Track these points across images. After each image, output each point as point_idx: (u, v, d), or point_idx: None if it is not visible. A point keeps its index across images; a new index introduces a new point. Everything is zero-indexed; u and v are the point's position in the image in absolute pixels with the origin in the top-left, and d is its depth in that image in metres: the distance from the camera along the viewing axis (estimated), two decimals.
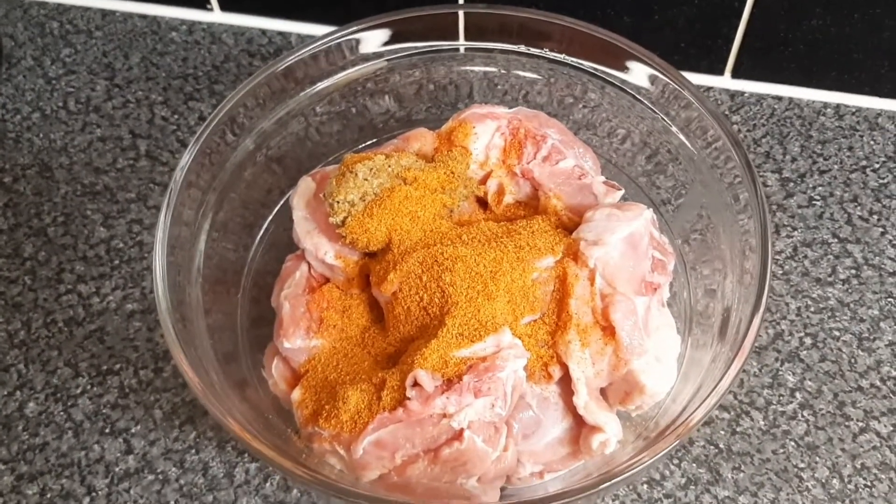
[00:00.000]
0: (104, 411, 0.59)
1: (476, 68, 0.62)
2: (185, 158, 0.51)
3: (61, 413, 0.59)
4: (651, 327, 0.49)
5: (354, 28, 0.56)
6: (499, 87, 0.63)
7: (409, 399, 0.44)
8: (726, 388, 0.43)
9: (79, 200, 0.69)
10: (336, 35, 0.56)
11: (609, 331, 0.48)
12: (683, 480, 0.55)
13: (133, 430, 0.58)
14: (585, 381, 0.48)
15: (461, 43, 0.61)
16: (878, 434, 0.57)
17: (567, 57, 0.59)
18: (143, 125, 0.73)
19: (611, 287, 0.49)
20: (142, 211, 0.68)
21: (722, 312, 0.49)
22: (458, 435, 0.44)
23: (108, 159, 0.71)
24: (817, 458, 0.56)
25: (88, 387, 0.60)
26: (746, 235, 0.49)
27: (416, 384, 0.45)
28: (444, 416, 0.44)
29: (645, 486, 0.55)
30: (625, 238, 0.49)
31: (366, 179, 0.51)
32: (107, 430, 0.58)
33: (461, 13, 0.59)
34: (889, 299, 0.62)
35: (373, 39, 0.57)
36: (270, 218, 0.58)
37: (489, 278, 0.48)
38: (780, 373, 0.59)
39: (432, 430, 0.45)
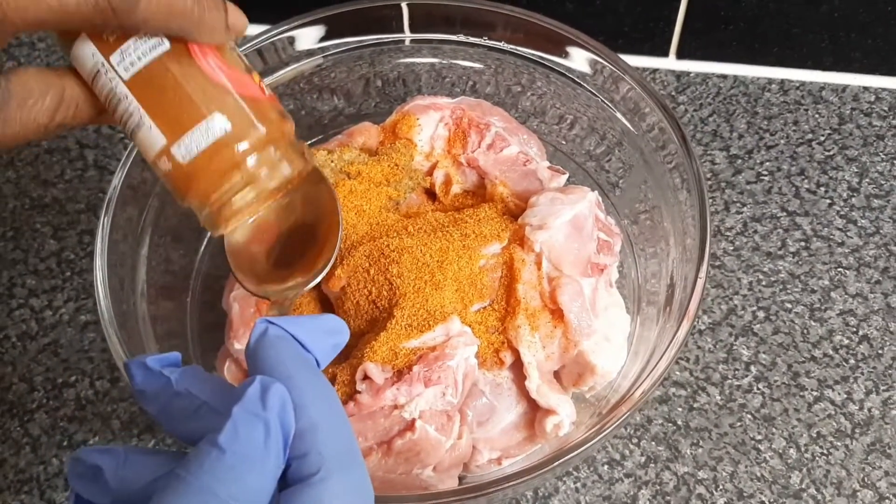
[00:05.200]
0: (61, 424, 0.58)
1: (422, 60, 0.62)
2: (122, 164, 0.50)
3: (18, 429, 0.58)
4: (599, 308, 0.49)
5: (286, 26, 0.56)
6: (446, 78, 0.63)
7: (359, 393, 0.44)
8: (672, 356, 0.43)
9: (27, 214, 0.68)
10: (270, 34, 0.56)
11: (557, 313, 0.48)
12: (643, 459, 0.55)
13: (91, 442, 0.57)
14: (537, 364, 0.48)
15: (404, 35, 0.61)
16: (832, 402, 0.57)
17: (511, 46, 0.59)
18: (90, 135, 0.72)
19: (557, 270, 0.49)
20: (92, 221, 0.67)
21: (666, 289, 0.49)
22: (410, 425, 0.44)
23: (56, 171, 0.70)
24: (774, 430, 0.56)
25: (44, 401, 0.59)
26: (687, 213, 0.49)
27: (366, 377, 0.45)
28: (396, 407, 0.44)
29: (605, 466, 0.55)
30: (569, 221, 0.50)
31: None
32: (65, 444, 0.57)
33: (404, 5, 0.59)
34: (839, 269, 0.63)
35: (308, 36, 0.57)
36: None
37: (436, 268, 0.48)
38: (735, 347, 0.60)
39: (384, 423, 0.45)
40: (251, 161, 0.37)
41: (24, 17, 0.30)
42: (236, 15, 0.37)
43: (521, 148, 0.56)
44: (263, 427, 0.27)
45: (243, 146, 0.37)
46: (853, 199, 0.66)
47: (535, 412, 0.49)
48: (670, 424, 0.57)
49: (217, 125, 0.36)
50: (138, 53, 0.35)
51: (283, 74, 0.58)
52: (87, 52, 0.35)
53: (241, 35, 0.38)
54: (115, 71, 0.35)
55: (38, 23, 0.31)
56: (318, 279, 0.43)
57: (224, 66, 0.37)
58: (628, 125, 0.56)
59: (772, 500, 0.54)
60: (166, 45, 0.35)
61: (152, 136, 0.36)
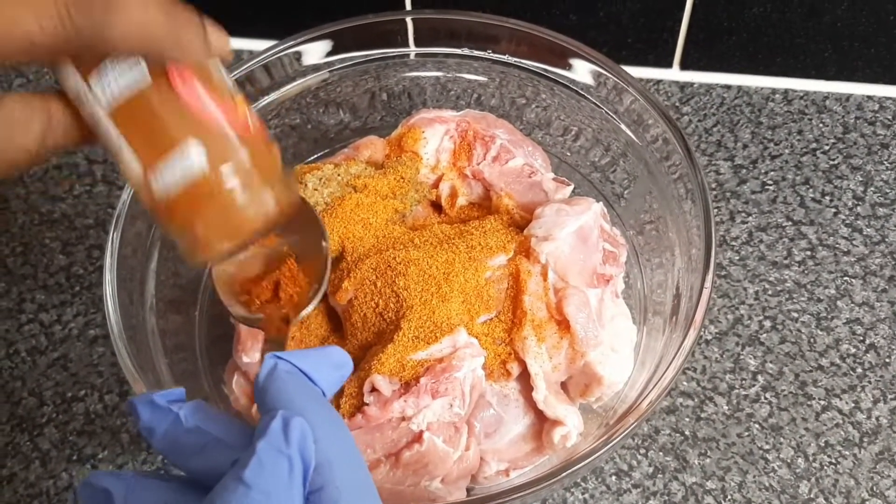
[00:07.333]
0: (71, 439, 0.58)
1: (427, 74, 0.63)
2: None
3: (27, 443, 0.58)
4: (605, 318, 0.49)
5: (293, 41, 0.56)
6: (451, 92, 0.64)
7: (367, 405, 0.45)
8: (679, 366, 0.44)
9: (37, 229, 0.68)
10: (277, 49, 0.56)
11: (564, 324, 0.48)
12: (651, 469, 0.55)
13: (101, 456, 0.58)
14: (543, 375, 0.48)
15: (409, 49, 0.61)
16: (839, 411, 0.57)
17: (515, 58, 0.60)
18: (99, 151, 0.73)
19: (563, 281, 0.49)
20: (100, 236, 0.68)
21: (672, 299, 0.49)
22: (418, 437, 0.45)
23: (65, 186, 0.71)
24: (782, 439, 0.56)
25: (54, 415, 0.59)
26: (692, 223, 0.49)
27: (373, 389, 0.45)
28: (403, 419, 0.45)
29: (613, 477, 0.55)
30: (574, 232, 0.50)
31: (315, 189, 0.51)
32: (74, 458, 0.58)
33: (409, 20, 0.59)
34: (844, 278, 0.63)
35: (314, 51, 0.57)
36: None
37: (442, 280, 0.48)
38: (742, 357, 0.60)
39: (392, 434, 0.45)
40: (230, 188, 0.35)
41: None
42: (216, 34, 0.34)
43: (526, 160, 0.56)
44: (287, 462, 0.27)
45: (222, 173, 0.35)
46: (858, 208, 0.66)
47: (542, 423, 0.49)
48: (678, 435, 0.57)
49: (193, 152, 0.35)
50: (114, 75, 0.34)
51: (290, 89, 0.59)
52: (70, 75, 0.34)
53: (223, 56, 0.35)
54: (94, 93, 0.34)
55: (5, 56, 0.29)
56: (309, 310, 0.43)
57: (205, 91, 0.35)
58: (632, 136, 0.56)
59: None
60: (143, 67, 0.34)
61: (131, 162, 0.35)
